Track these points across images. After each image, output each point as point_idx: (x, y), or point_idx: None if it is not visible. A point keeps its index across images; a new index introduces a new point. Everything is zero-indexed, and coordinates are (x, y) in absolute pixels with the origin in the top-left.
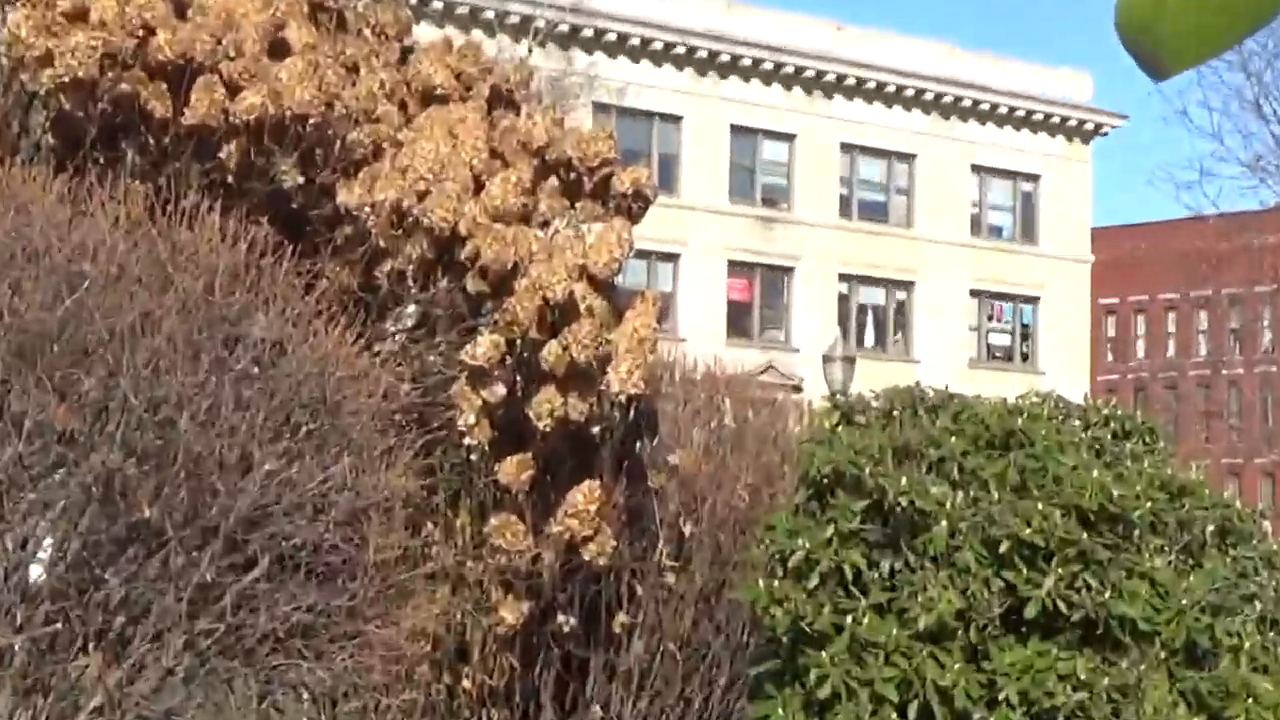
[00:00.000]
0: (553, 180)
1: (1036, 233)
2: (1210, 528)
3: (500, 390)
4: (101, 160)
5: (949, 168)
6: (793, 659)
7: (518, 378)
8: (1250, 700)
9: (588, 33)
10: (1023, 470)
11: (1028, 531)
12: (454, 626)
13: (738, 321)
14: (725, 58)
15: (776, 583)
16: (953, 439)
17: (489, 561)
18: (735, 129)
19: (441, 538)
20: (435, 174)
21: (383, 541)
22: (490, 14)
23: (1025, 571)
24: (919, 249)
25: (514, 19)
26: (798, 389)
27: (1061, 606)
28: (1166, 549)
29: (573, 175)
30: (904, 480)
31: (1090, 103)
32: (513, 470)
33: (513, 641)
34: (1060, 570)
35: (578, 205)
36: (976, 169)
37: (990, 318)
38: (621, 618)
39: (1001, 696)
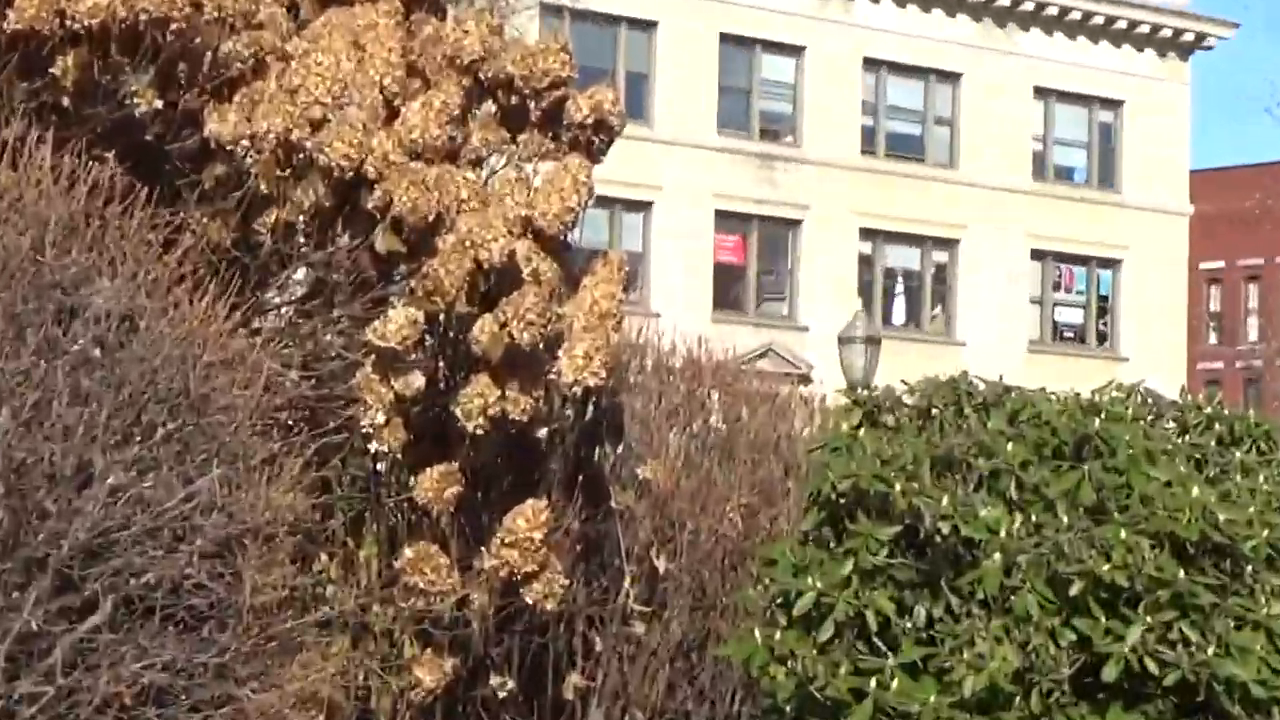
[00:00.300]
0: (489, 106)
1: (1118, 176)
2: None
3: (418, 380)
4: None
5: (1005, 91)
6: None
7: (441, 364)
8: None
9: None
10: (1100, 487)
11: (1107, 568)
12: (355, 690)
13: (728, 290)
14: None
15: (778, 634)
16: (1009, 446)
17: (401, 606)
18: (726, 39)
19: (339, 574)
20: (335, 97)
21: (263, 579)
22: None
23: (1104, 620)
24: (965, 197)
25: None
26: (806, 379)
27: (1151, 666)
28: None
29: (514, 99)
30: (945, 500)
31: (1189, 7)
32: (433, 486)
33: (432, 710)
34: (1149, 619)
35: (521, 139)
36: (1040, 93)
37: (1058, 287)
38: (575, 679)
39: None
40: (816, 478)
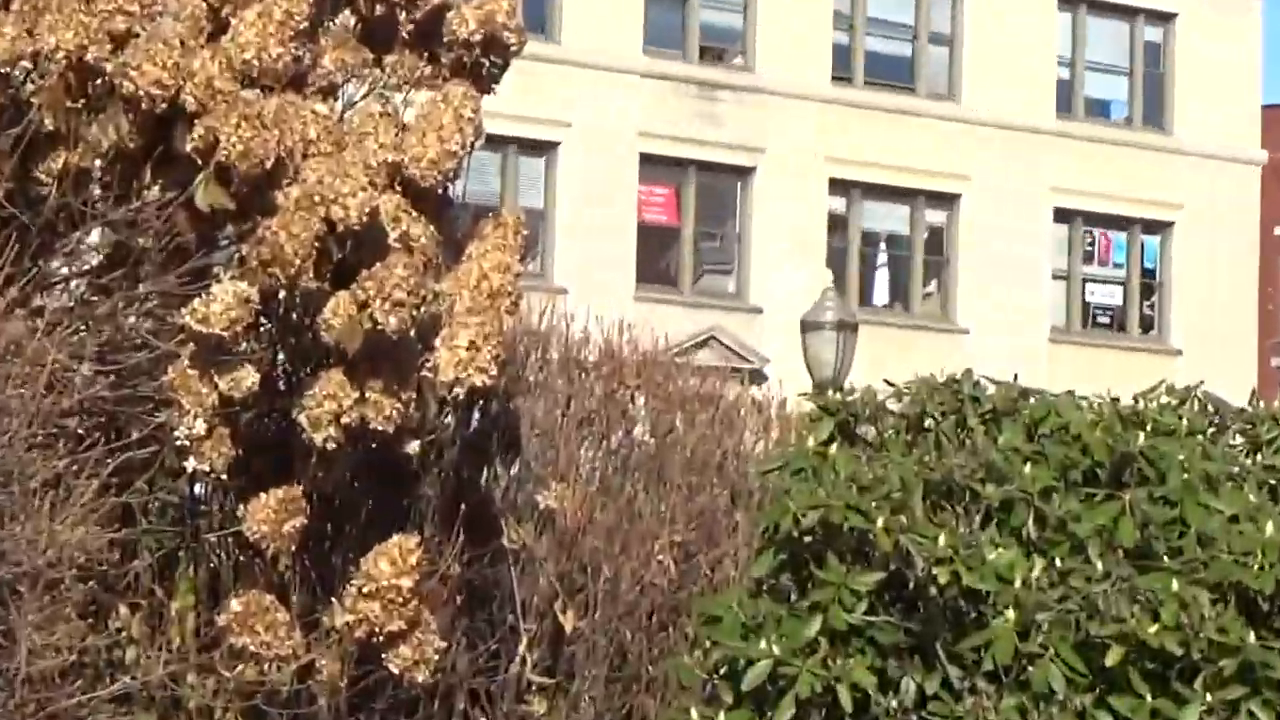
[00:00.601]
0: (346, 17)
1: (1169, 112)
2: None
3: (249, 378)
4: None
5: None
6: None
7: (280, 356)
8: None
9: None
10: (1146, 523)
11: (1154, 629)
12: None
13: (657, 260)
14: None
15: (722, 715)
16: (1026, 468)
17: (224, 675)
18: None
19: (144, 633)
20: (144, 5)
21: (43, 639)
22: None
23: (1149, 698)
24: (969, 139)
25: None
26: (760, 377)
27: None
28: None
29: (379, 8)
30: (943, 539)
31: None
32: (269, 517)
33: None
34: (1210, 696)
35: (388, 60)
36: (1068, 1)
37: (1090, 258)
38: None
39: None
40: (774, 509)
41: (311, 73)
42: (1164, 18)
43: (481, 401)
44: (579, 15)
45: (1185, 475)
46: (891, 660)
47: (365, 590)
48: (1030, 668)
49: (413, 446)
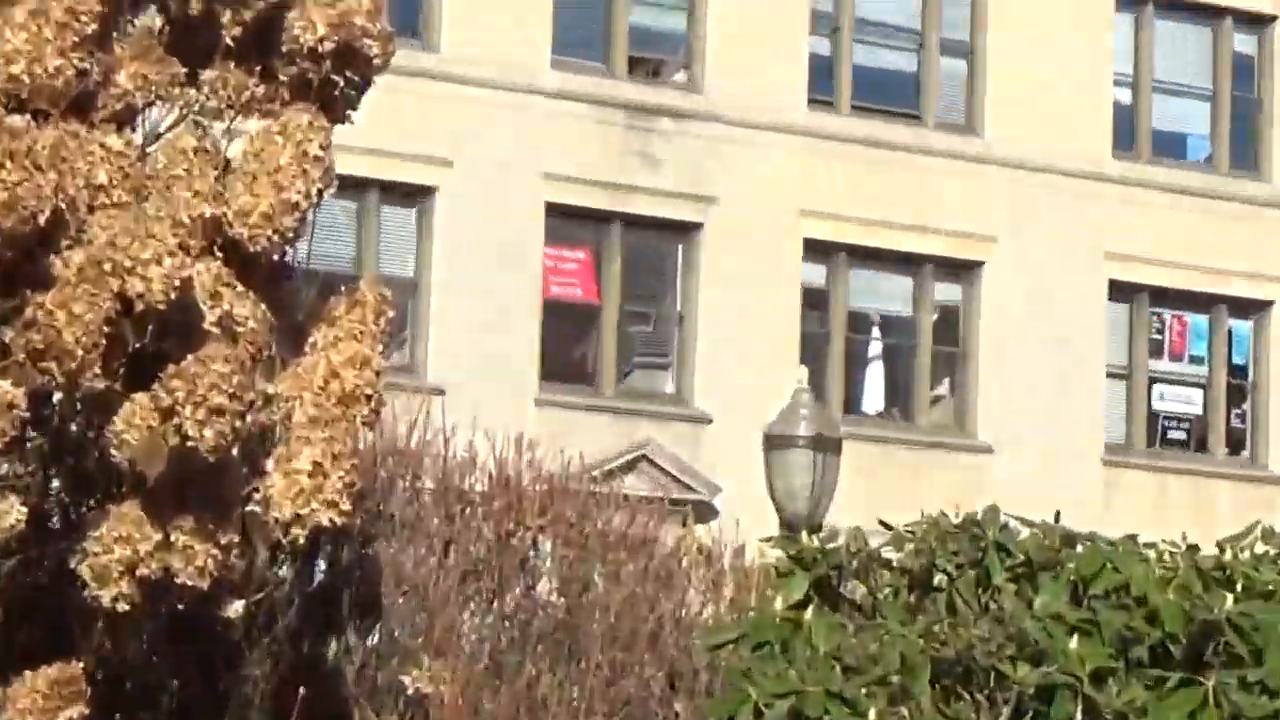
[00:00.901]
0: (151, 17)
1: (1266, 152)
2: None
3: (12, 513)
4: None
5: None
6: None
7: (55, 483)
8: None
9: None
10: (1237, 716)
11: None
12: None
13: (569, 349)
14: None
15: None
16: (1073, 642)
17: None
18: None
19: None
20: None
21: None
22: None
23: None
24: (993, 186)
25: None
26: (708, 512)
27: None
28: None
29: (194, 6)
30: None
31: None
32: (37, 704)
33: None
34: None
35: (206, 77)
36: (1128, 1)
37: (1158, 350)
38: None
39: None
40: (728, 697)
41: (102, 93)
42: (1259, 20)
43: (329, 547)
44: (465, 16)
45: None
46: None
47: None
48: None
49: (235, 608)
